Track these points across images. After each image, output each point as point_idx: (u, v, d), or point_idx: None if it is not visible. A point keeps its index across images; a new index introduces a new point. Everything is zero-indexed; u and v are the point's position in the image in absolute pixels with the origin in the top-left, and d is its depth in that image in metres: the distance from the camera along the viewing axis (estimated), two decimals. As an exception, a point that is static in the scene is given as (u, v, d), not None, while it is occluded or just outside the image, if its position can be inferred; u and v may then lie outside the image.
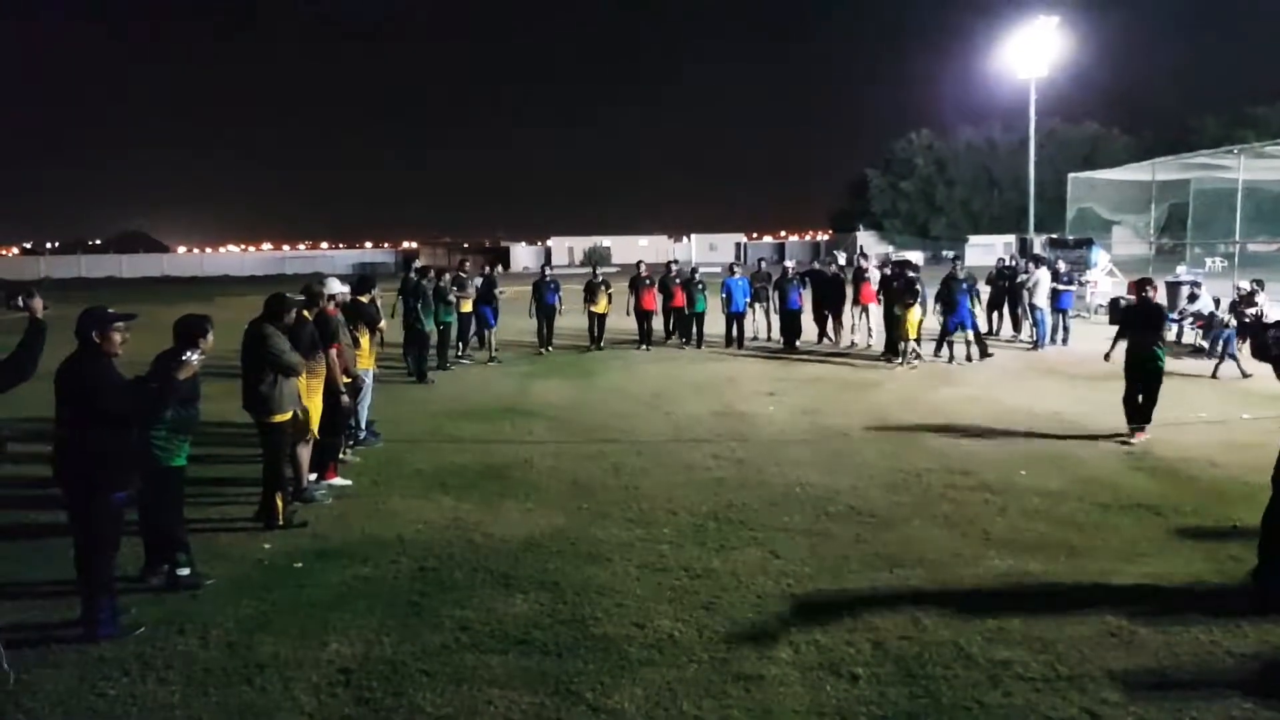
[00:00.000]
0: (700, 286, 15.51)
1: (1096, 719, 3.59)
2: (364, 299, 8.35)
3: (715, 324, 17.08)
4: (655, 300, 15.78)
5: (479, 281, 14.86)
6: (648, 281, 15.69)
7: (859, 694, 3.82)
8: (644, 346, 15.54)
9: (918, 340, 13.35)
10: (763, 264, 17.86)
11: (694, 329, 15.76)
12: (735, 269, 16.48)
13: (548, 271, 15.81)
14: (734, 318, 15.84)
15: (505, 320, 15.58)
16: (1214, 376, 11.90)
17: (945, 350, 13.68)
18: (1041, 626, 4.44)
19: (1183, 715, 3.59)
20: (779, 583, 5.08)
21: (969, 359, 13.54)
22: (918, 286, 13.02)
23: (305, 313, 6.74)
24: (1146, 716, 3.60)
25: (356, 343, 7.76)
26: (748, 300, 16.07)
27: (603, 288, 15.54)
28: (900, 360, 13.32)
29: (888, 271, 15.22)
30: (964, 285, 13.56)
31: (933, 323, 14.10)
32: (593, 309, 15.64)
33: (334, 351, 6.92)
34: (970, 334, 13.63)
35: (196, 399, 5.12)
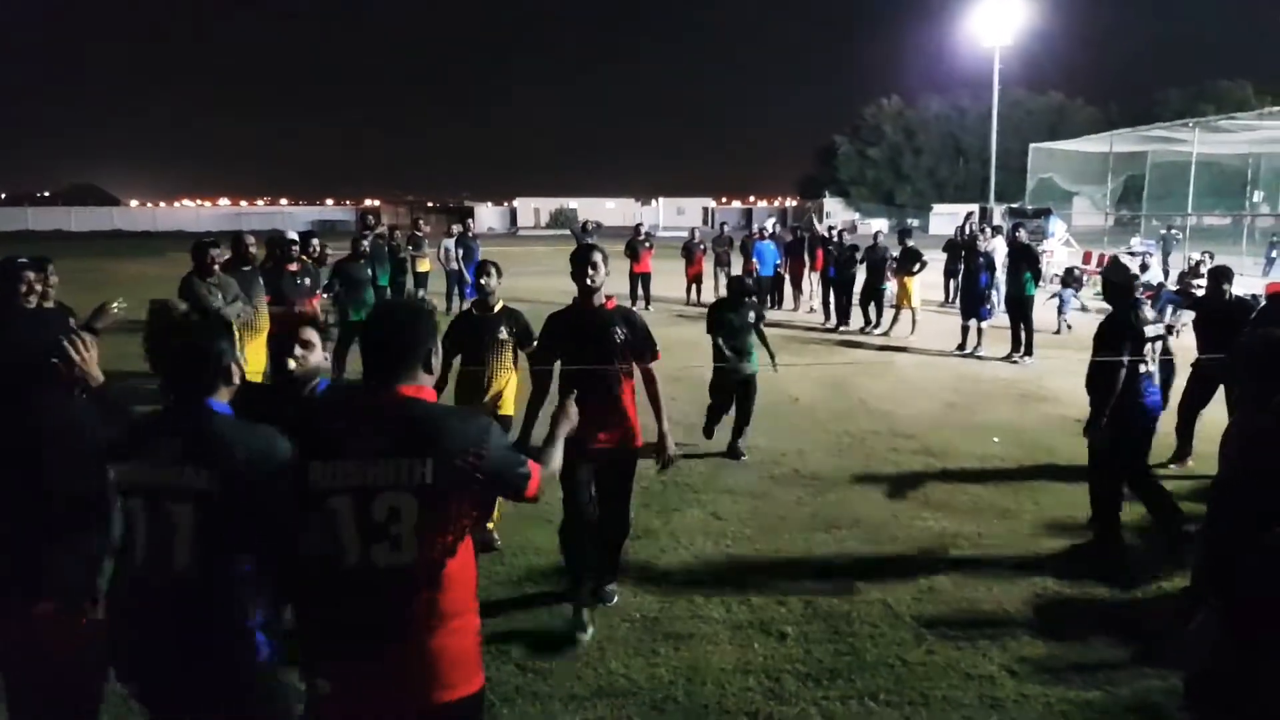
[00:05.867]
0: (753, 319, 6.96)
1: (1014, 675, 3.67)
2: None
3: (674, 287, 17.09)
4: (634, 395, 4.08)
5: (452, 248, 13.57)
6: (623, 339, 3.93)
7: (786, 652, 3.87)
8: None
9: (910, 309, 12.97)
10: (725, 228, 17.83)
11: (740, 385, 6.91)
12: (764, 231, 15.86)
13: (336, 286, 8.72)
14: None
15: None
16: (1056, 332, 13.01)
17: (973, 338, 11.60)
18: (970, 587, 4.53)
19: (1099, 676, 3.68)
20: (718, 543, 5.12)
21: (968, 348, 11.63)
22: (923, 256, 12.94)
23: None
24: (1063, 676, 3.69)
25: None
26: (777, 264, 15.47)
27: (506, 343, 4.89)
28: (878, 326, 13.44)
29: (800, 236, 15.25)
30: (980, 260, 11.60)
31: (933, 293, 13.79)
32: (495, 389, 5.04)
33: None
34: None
35: None
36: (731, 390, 6.88)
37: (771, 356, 7.16)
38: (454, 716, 2.01)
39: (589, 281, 3.89)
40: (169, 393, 2.29)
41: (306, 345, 2.96)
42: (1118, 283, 5.09)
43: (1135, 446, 4.96)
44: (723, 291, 15.95)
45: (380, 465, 1.94)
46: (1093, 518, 5.17)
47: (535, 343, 4.47)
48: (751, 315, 6.97)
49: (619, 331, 3.94)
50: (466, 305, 5.99)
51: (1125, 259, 7.84)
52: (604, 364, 3.88)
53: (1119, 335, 4.83)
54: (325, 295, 9.01)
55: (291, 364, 2.91)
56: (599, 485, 4.01)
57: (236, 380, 2.32)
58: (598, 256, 3.90)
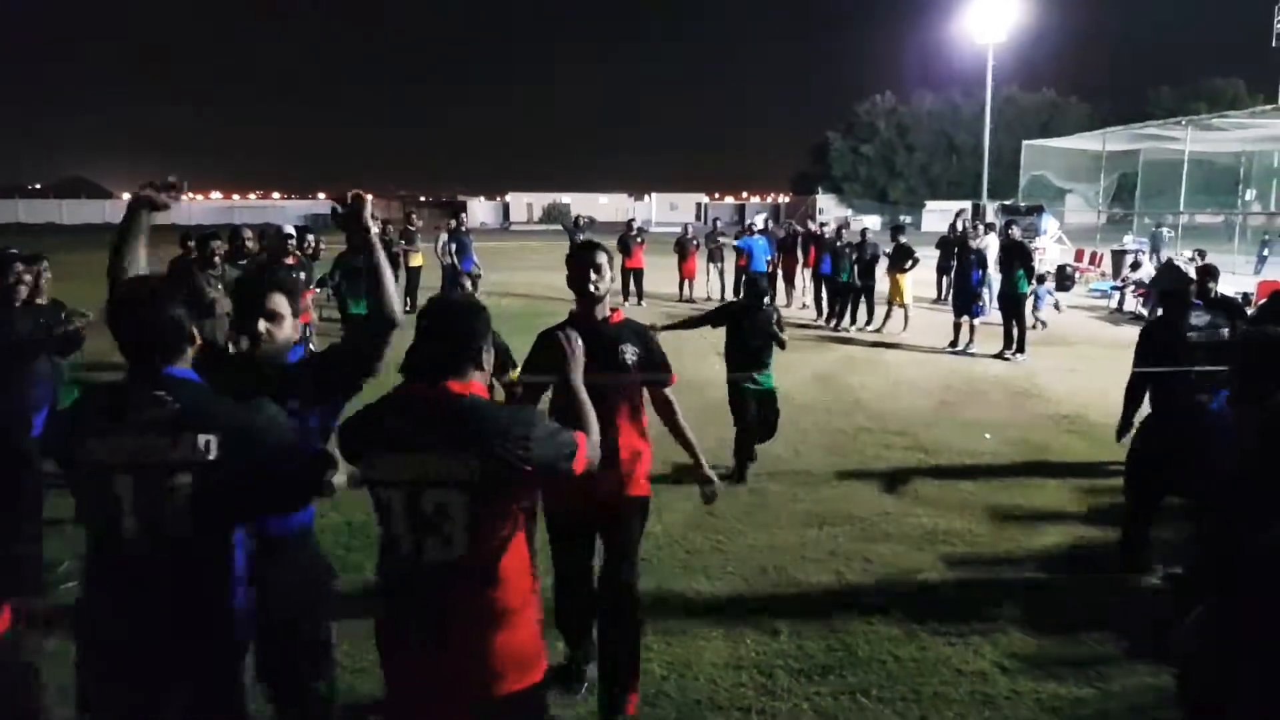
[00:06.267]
0: (775, 323, 6.31)
1: (1005, 672, 3.68)
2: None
3: (666, 283, 17.07)
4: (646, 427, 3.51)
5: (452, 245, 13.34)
6: (634, 360, 3.26)
7: (778, 648, 3.87)
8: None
9: (903, 307, 13.05)
10: (718, 224, 17.84)
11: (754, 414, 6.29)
12: (752, 228, 15.64)
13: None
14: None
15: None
16: (1032, 327, 12.71)
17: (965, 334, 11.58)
18: (962, 583, 4.54)
19: (1091, 673, 3.69)
20: (710, 539, 5.11)
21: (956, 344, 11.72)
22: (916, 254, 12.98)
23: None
24: (1055, 672, 3.69)
25: None
26: (769, 260, 14.98)
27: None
28: (871, 324, 13.46)
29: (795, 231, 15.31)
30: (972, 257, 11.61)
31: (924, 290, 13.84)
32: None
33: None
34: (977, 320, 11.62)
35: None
36: (749, 408, 6.19)
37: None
38: (512, 708, 2.02)
39: (592, 288, 3.12)
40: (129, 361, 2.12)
41: (273, 318, 2.47)
42: (1164, 290, 4.89)
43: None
44: (714, 288, 16.30)
45: (428, 460, 1.95)
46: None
47: (516, 367, 4.00)
48: (776, 323, 6.18)
49: (629, 351, 3.17)
50: None
51: (1180, 263, 7.40)
52: (612, 391, 3.06)
53: (1149, 341, 4.60)
54: (319, 290, 9.02)
55: (245, 342, 2.46)
56: (603, 540, 3.29)
57: (198, 342, 2.18)
58: (602, 258, 3.14)
